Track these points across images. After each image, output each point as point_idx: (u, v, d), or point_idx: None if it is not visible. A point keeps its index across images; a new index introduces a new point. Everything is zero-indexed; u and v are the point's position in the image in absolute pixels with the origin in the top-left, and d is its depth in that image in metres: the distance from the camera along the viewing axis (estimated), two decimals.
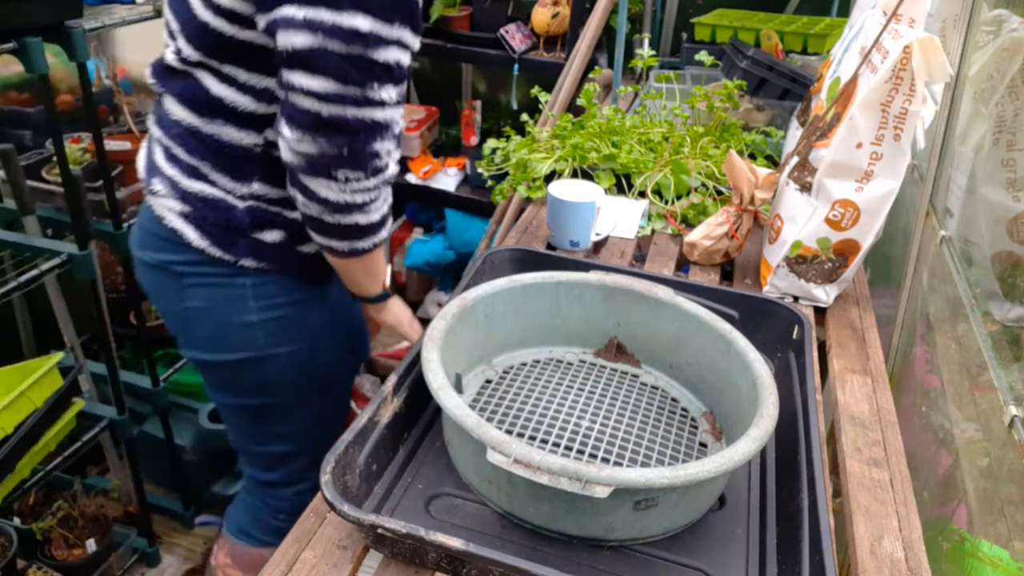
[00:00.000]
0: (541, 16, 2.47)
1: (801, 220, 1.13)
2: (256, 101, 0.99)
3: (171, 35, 1.02)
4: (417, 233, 2.97)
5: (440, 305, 2.82)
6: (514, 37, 2.47)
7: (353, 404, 1.58)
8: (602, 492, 0.67)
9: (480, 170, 1.60)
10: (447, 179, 2.74)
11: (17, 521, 1.77)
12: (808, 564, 0.68)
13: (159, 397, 1.92)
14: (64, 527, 1.78)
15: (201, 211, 1.06)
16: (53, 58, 1.53)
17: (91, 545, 1.79)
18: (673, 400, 0.96)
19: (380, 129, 0.92)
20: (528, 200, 1.52)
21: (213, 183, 1.04)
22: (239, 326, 1.12)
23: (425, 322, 1.01)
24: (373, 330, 1.34)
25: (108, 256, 2.06)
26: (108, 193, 1.64)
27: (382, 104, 0.90)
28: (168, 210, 1.06)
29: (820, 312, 1.20)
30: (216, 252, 1.07)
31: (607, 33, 2.29)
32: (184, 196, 1.05)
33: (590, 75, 1.85)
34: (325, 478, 0.69)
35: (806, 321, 1.00)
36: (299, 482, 1.30)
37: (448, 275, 2.94)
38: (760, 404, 0.79)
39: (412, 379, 0.87)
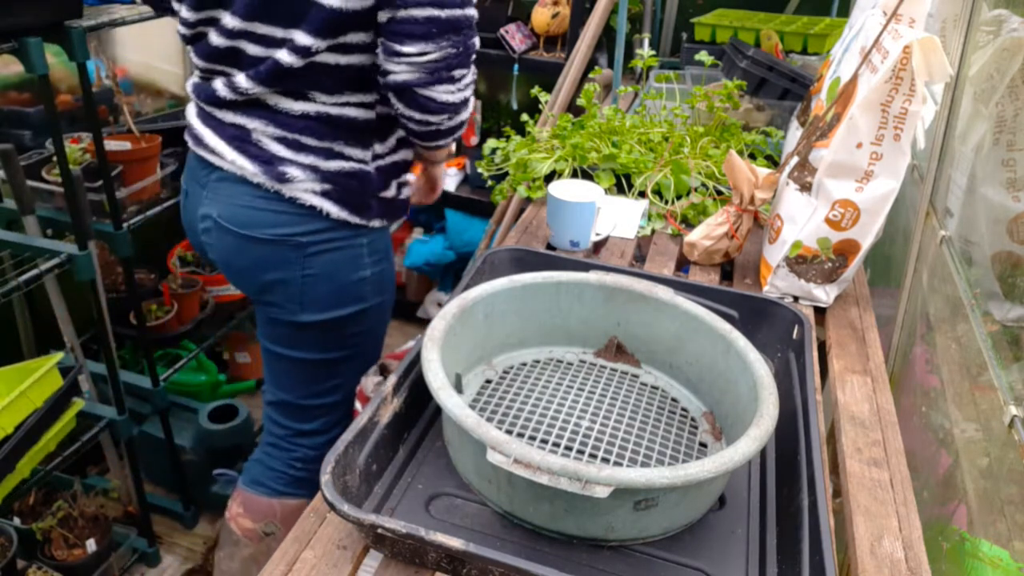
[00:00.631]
0: (541, 16, 2.47)
1: (801, 220, 1.13)
2: (369, 55, 1.13)
3: (274, 42, 1.11)
4: (417, 233, 2.97)
5: (440, 305, 2.82)
6: (514, 37, 2.47)
7: (357, 404, 1.58)
8: (602, 492, 0.67)
9: (480, 170, 1.60)
10: (447, 179, 2.73)
11: (17, 521, 1.77)
12: (808, 564, 0.68)
13: (159, 397, 1.92)
14: (64, 527, 1.78)
15: (343, 185, 1.19)
16: (53, 58, 1.53)
17: (91, 545, 1.78)
18: (673, 400, 0.96)
19: (475, 24, 1.09)
20: (528, 200, 1.52)
21: (349, 158, 1.19)
22: (355, 282, 1.27)
23: (425, 322, 1.02)
24: (427, 191, 1.46)
25: (108, 256, 2.06)
26: (108, 193, 1.64)
27: (472, 1, 1.07)
28: (306, 191, 1.18)
29: (820, 312, 1.20)
30: (354, 219, 1.22)
31: (607, 33, 2.29)
32: (326, 177, 1.18)
33: (590, 75, 1.85)
34: (325, 478, 0.69)
35: (806, 321, 1.00)
36: (333, 429, 1.40)
37: (448, 275, 2.94)
38: (760, 404, 0.79)
39: (412, 379, 0.87)
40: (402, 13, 1.02)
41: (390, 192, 1.26)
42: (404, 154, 1.29)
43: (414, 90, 1.09)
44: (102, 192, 1.65)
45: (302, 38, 1.08)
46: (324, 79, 1.13)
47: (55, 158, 1.55)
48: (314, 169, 1.18)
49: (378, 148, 1.23)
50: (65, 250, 1.58)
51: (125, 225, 1.72)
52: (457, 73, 1.09)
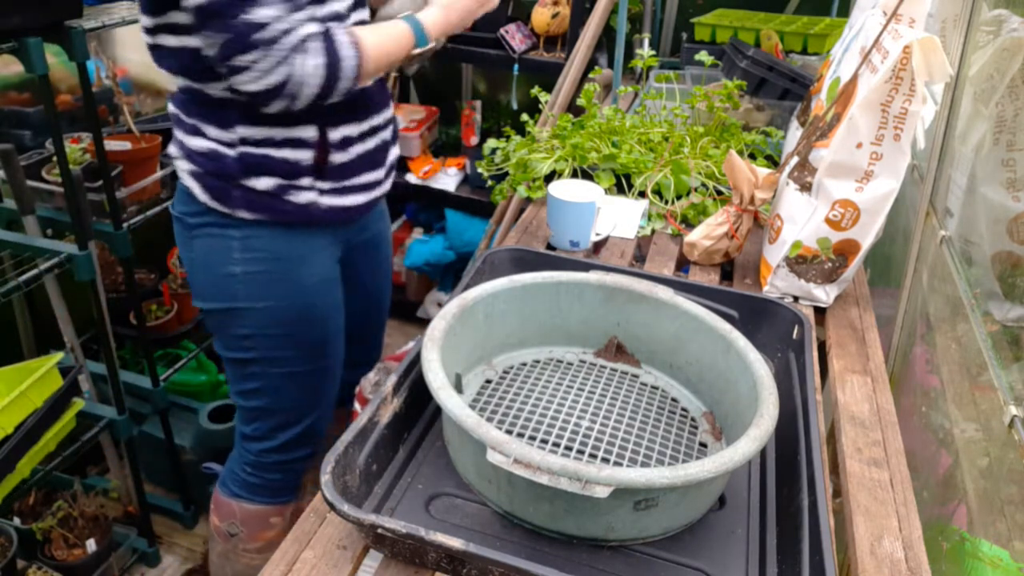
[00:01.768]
0: (541, 16, 2.47)
1: (801, 220, 1.13)
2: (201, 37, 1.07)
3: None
4: (417, 233, 2.97)
5: (440, 305, 2.82)
6: (514, 37, 2.47)
7: (356, 405, 1.58)
8: (602, 492, 0.67)
9: (480, 170, 1.60)
10: (447, 179, 2.74)
11: (17, 521, 1.77)
12: (808, 564, 0.68)
13: (159, 397, 1.92)
14: (64, 527, 1.78)
15: (202, 165, 1.16)
16: (53, 58, 1.53)
17: (91, 545, 1.79)
18: (673, 400, 0.96)
19: (239, 4, 1.01)
20: (528, 200, 1.52)
21: (205, 135, 1.15)
22: (224, 277, 1.21)
23: (425, 322, 1.02)
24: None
25: (108, 256, 2.06)
26: (108, 193, 1.64)
27: None
28: (182, 169, 1.18)
29: (820, 312, 1.20)
30: (215, 205, 1.17)
31: (607, 33, 2.29)
32: (189, 154, 1.17)
33: (590, 75, 1.85)
34: (325, 478, 0.69)
35: (806, 321, 1.00)
36: (266, 439, 1.35)
37: (448, 275, 2.94)
38: (760, 404, 0.79)
39: (412, 379, 0.87)
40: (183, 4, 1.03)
41: (260, 184, 1.15)
42: (290, 153, 1.15)
43: (229, 80, 1.06)
44: (102, 192, 1.65)
45: (142, 18, 1.13)
46: (170, 60, 1.13)
47: (55, 158, 1.55)
48: (181, 145, 1.18)
49: (243, 131, 1.13)
50: (65, 250, 1.58)
51: (125, 225, 1.72)
52: (238, 61, 1.01)
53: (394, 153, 1.36)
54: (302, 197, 1.18)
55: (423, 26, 1.18)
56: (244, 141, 1.14)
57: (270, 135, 1.14)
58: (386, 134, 1.30)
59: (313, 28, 1.04)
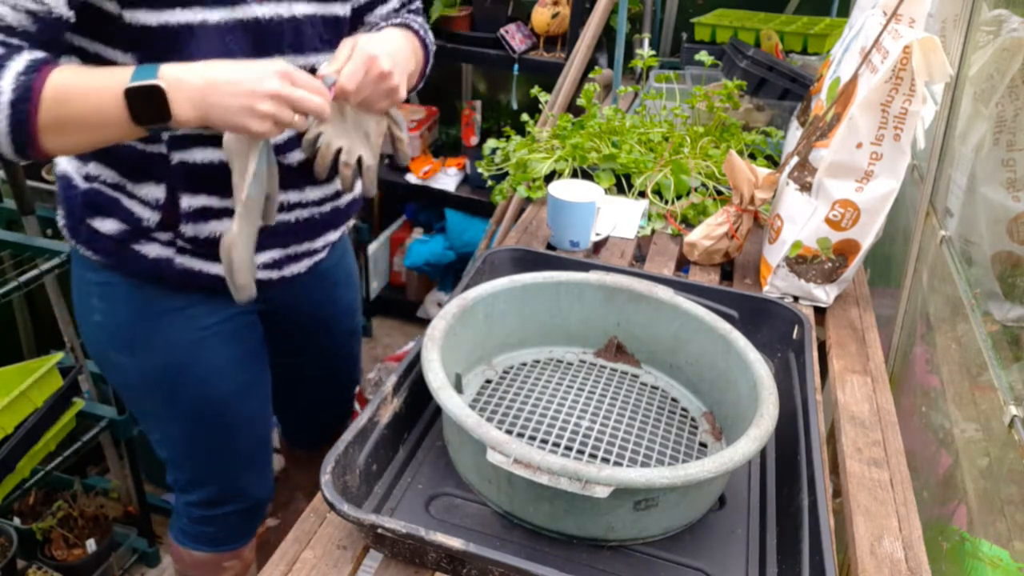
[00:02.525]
0: (541, 16, 2.47)
1: (801, 220, 1.13)
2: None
3: None
4: (417, 233, 2.97)
5: (440, 305, 2.82)
6: (514, 37, 2.47)
7: (356, 406, 1.58)
8: (602, 492, 0.67)
9: (480, 170, 1.59)
10: (447, 179, 2.74)
11: (17, 521, 1.77)
12: (808, 564, 0.68)
13: None
14: (64, 527, 1.78)
15: (61, 190, 1.04)
16: None
17: (91, 545, 1.79)
18: (673, 400, 0.96)
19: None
20: (528, 200, 1.52)
21: (65, 160, 1.03)
22: (88, 323, 1.10)
23: (425, 322, 1.01)
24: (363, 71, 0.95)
25: None
26: None
27: None
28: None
29: (820, 312, 1.20)
30: (67, 235, 1.04)
31: (607, 33, 2.29)
32: (58, 176, 1.05)
33: (590, 75, 1.85)
34: (325, 478, 0.69)
35: (806, 321, 1.00)
36: (185, 493, 1.24)
37: (448, 275, 2.94)
38: (760, 404, 0.79)
39: (412, 379, 0.87)
40: None
41: (104, 226, 1.00)
42: (136, 206, 0.99)
43: None
44: None
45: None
46: None
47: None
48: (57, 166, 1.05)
49: (94, 168, 0.99)
50: (65, 250, 1.58)
51: None
52: None
53: (329, 236, 1.15)
54: (151, 250, 1.00)
55: (161, 88, 0.79)
56: (95, 178, 0.99)
57: (120, 181, 0.98)
58: (306, 212, 1.08)
59: None
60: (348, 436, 0.75)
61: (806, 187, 1.13)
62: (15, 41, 0.79)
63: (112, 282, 1.04)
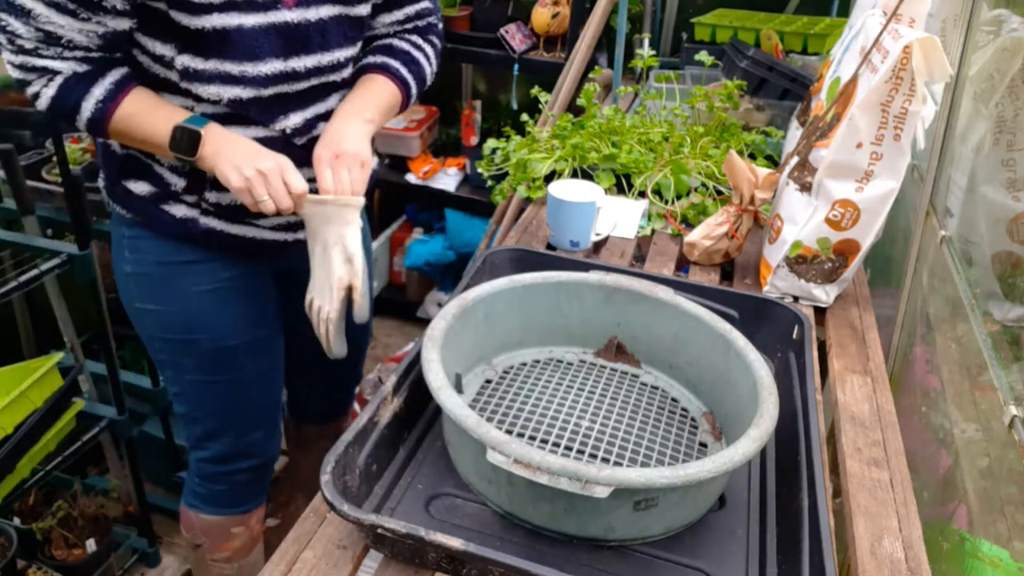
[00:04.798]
0: (541, 16, 2.47)
1: (801, 220, 1.13)
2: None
3: None
4: (417, 233, 2.97)
5: (440, 305, 2.82)
6: (514, 37, 2.47)
7: (356, 406, 1.58)
8: (602, 492, 0.67)
9: (480, 170, 1.59)
10: (447, 179, 2.74)
11: (17, 521, 1.77)
12: (808, 564, 0.68)
13: (159, 397, 1.91)
14: (64, 527, 1.78)
15: (100, 156, 1.16)
16: None
17: (91, 545, 1.78)
18: (673, 400, 0.96)
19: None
20: (528, 200, 1.52)
21: None
22: (121, 274, 1.21)
23: (425, 322, 1.01)
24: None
25: (108, 256, 2.05)
26: None
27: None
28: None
29: (820, 312, 1.20)
30: (104, 195, 1.18)
31: (607, 33, 2.29)
32: (97, 144, 1.18)
33: (590, 75, 1.85)
34: (325, 478, 0.69)
35: (806, 321, 1.00)
36: (200, 449, 1.32)
37: (448, 275, 2.94)
38: (760, 404, 0.79)
39: (412, 379, 0.87)
40: None
41: (137, 188, 1.12)
42: (167, 172, 1.11)
43: None
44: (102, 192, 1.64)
45: None
46: None
47: (55, 158, 1.55)
48: None
49: None
50: (65, 250, 1.58)
51: None
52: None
53: None
54: (178, 211, 1.12)
55: (201, 134, 1.01)
56: (132, 147, 1.11)
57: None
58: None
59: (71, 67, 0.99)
60: (348, 436, 0.75)
61: (806, 187, 1.13)
62: (95, 55, 1.00)
63: (142, 236, 1.16)
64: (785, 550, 0.74)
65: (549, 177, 1.50)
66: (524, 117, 1.67)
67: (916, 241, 1.32)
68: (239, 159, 1.01)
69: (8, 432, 1.50)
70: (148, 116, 1.02)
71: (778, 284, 1.19)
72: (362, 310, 1.07)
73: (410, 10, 1.22)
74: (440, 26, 1.29)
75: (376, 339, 2.93)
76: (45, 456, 1.63)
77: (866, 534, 0.78)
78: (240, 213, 1.13)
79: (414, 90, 1.23)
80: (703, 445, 0.89)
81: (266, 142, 1.07)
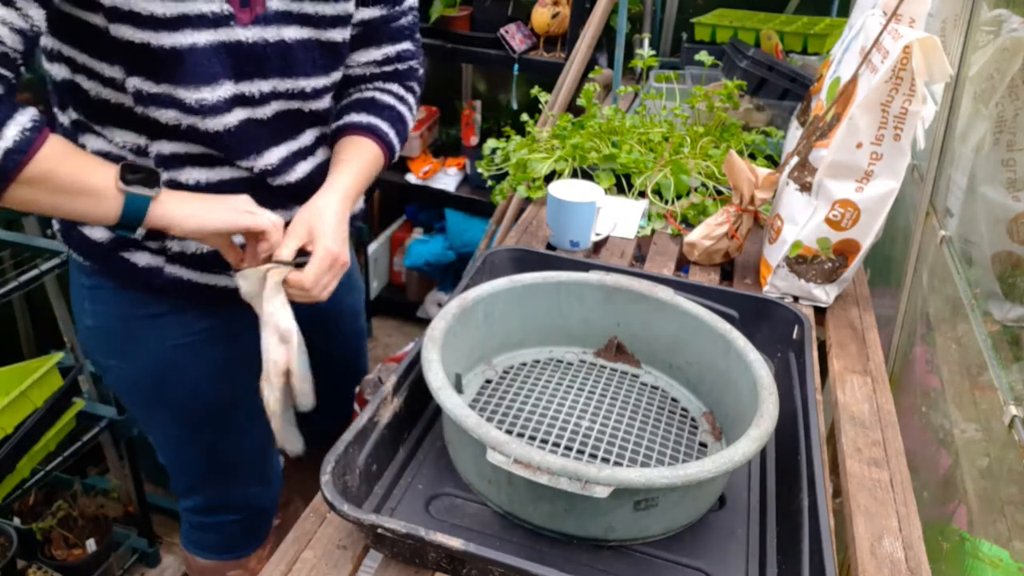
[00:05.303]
0: (541, 16, 2.47)
1: (801, 220, 1.13)
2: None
3: None
4: (417, 233, 2.97)
5: (440, 305, 2.82)
6: (514, 37, 2.47)
7: (356, 407, 1.58)
8: (602, 492, 0.67)
9: (480, 170, 1.59)
10: (447, 179, 2.74)
11: (17, 521, 1.77)
12: (808, 564, 0.68)
13: None
14: (64, 527, 1.78)
15: None
16: None
17: (91, 545, 1.78)
18: (673, 400, 0.96)
19: None
20: (528, 200, 1.52)
21: None
22: (82, 327, 1.10)
23: (425, 322, 1.01)
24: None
25: None
26: None
27: None
28: None
29: (820, 312, 1.19)
30: (60, 239, 1.05)
31: (607, 33, 2.29)
32: None
33: (590, 75, 1.85)
34: (325, 478, 0.69)
35: (806, 321, 1.00)
36: (185, 498, 1.26)
37: (448, 275, 2.94)
38: (760, 404, 0.79)
39: (412, 379, 0.87)
40: None
41: (94, 233, 1.00)
42: None
43: None
44: None
45: None
46: None
47: None
48: None
49: None
50: (65, 250, 1.58)
51: None
52: None
53: None
54: (141, 259, 1.00)
55: (146, 210, 0.86)
56: None
57: None
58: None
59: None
60: (348, 436, 0.75)
61: (806, 187, 1.13)
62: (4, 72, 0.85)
63: (102, 286, 1.04)
64: (785, 550, 0.74)
65: (549, 177, 1.50)
66: (524, 117, 1.67)
67: (916, 241, 1.32)
68: (203, 211, 0.89)
69: (8, 432, 1.50)
70: (77, 163, 0.85)
71: (778, 284, 1.19)
72: (304, 396, 0.93)
73: (390, 50, 1.10)
74: (421, 72, 1.18)
75: (376, 339, 2.93)
76: (45, 456, 1.63)
77: (866, 534, 0.78)
78: (209, 262, 1.01)
79: (397, 152, 1.13)
80: (703, 445, 0.89)
81: (234, 185, 0.97)
